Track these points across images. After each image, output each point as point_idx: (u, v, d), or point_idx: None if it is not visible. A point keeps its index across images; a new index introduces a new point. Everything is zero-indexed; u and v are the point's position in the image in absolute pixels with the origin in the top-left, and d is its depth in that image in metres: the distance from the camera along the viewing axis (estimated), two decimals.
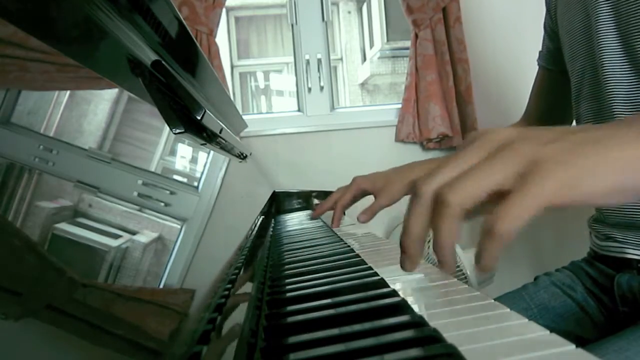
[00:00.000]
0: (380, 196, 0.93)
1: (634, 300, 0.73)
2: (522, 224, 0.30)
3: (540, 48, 0.99)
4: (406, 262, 0.35)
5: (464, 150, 0.33)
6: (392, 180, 0.94)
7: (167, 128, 0.41)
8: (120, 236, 0.28)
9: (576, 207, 0.30)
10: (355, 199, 0.97)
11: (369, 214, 0.90)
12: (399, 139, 1.82)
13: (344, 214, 0.99)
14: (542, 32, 0.98)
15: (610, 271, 0.77)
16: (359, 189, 0.95)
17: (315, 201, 1.33)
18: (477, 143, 0.33)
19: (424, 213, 0.33)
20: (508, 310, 0.35)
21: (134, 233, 0.30)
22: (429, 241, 1.51)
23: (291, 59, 1.91)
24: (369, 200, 0.95)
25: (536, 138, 0.31)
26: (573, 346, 0.28)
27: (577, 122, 0.84)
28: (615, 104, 0.72)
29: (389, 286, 0.43)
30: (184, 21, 0.51)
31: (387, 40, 5.13)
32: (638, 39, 0.67)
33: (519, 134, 0.32)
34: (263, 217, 0.96)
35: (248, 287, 0.43)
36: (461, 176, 0.31)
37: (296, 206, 1.33)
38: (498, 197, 0.31)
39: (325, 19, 1.85)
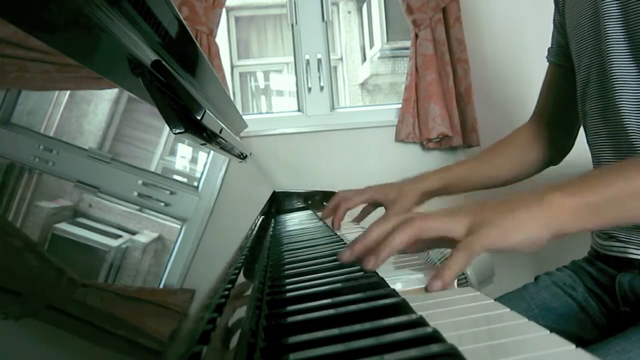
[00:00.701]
0: (393, 209, 0.91)
1: (636, 300, 0.72)
2: (477, 254, 0.45)
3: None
4: (370, 260, 0.48)
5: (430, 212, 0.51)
6: (405, 193, 0.92)
7: (167, 128, 0.41)
8: (120, 236, 0.28)
9: (508, 250, 0.47)
10: (363, 208, 0.96)
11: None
12: (399, 139, 1.82)
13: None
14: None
15: (612, 271, 0.77)
16: (370, 199, 0.94)
17: (317, 201, 1.33)
18: (437, 211, 0.51)
19: (385, 229, 0.49)
20: (508, 310, 0.36)
21: (134, 233, 0.30)
22: None
23: (291, 59, 1.91)
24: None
25: (473, 211, 0.49)
26: (573, 346, 0.28)
27: (582, 120, 0.83)
28: (622, 102, 0.71)
29: (389, 286, 0.43)
30: (184, 21, 0.51)
31: (387, 40, 5.13)
32: None
33: (461, 209, 0.50)
34: (263, 217, 0.96)
35: (248, 287, 0.43)
36: (427, 218, 0.48)
37: (296, 206, 1.33)
38: (447, 241, 0.48)
39: (325, 19, 1.85)
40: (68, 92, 0.28)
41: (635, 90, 0.69)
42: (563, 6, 0.87)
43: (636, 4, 0.67)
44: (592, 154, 0.82)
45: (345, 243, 0.68)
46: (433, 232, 0.48)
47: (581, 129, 0.88)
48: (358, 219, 1.00)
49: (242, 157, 0.94)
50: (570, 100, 0.91)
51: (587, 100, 0.79)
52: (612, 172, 0.53)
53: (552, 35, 0.94)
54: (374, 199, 0.94)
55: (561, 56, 0.92)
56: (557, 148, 0.98)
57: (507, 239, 0.46)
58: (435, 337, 0.30)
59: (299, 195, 1.34)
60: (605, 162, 0.76)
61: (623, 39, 0.70)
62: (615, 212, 0.49)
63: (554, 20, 0.93)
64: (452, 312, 0.37)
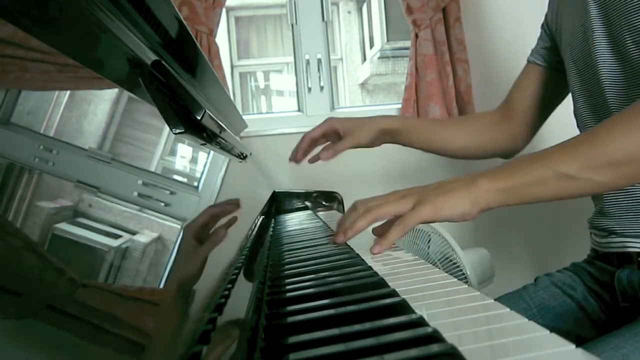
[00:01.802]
0: (348, 137, 0.99)
1: (635, 295, 0.73)
2: (410, 227, 0.61)
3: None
4: (339, 235, 0.66)
5: (387, 195, 0.65)
6: (362, 126, 1.00)
7: (167, 128, 0.41)
8: (120, 236, 0.28)
9: (441, 221, 0.60)
10: (325, 137, 1.03)
11: (331, 153, 0.97)
12: None
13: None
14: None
15: (611, 268, 0.77)
16: (330, 128, 1.00)
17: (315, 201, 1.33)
18: (393, 193, 0.64)
19: (354, 217, 0.65)
20: (508, 310, 0.36)
21: (134, 233, 0.30)
22: (429, 241, 1.51)
23: (291, 59, 1.91)
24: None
25: (419, 192, 0.62)
26: (573, 346, 0.28)
27: (576, 118, 0.85)
28: (611, 100, 0.74)
29: (389, 286, 0.43)
30: (184, 21, 0.51)
31: (387, 40, 5.13)
32: (626, 37, 0.69)
33: (411, 190, 0.64)
34: (263, 217, 0.96)
35: (248, 287, 0.43)
36: (382, 204, 0.63)
37: (296, 206, 1.33)
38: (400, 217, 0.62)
39: (325, 19, 1.85)
40: (68, 92, 0.28)
41: (622, 86, 0.72)
42: (557, 10, 0.89)
43: (616, 13, 0.70)
44: None
45: (347, 244, 0.69)
46: (388, 215, 0.63)
47: (565, 132, 0.91)
48: (325, 150, 1.01)
49: (242, 157, 0.94)
50: (540, 99, 0.96)
51: (579, 99, 0.82)
52: (528, 160, 0.61)
53: (539, 38, 0.98)
54: (334, 128, 1.00)
55: (543, 57, 0.95)
56: (513, 141, 1.02)
57: (439, 213, 0.59)
58: (435, 337, 0.30)
59: (299, 195, 1.34)
60: None
61: (606, 39, 0.73)
62: (525, 194, 0.60)
63: (542, 25, 0.97)
64: (452, 312, 0.37)
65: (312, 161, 1.04)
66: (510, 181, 0.60)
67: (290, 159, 1.04)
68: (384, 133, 1.00)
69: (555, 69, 0.93)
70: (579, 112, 0.83)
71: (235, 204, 0.59)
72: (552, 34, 0.92)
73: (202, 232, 0.41)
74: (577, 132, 0.85)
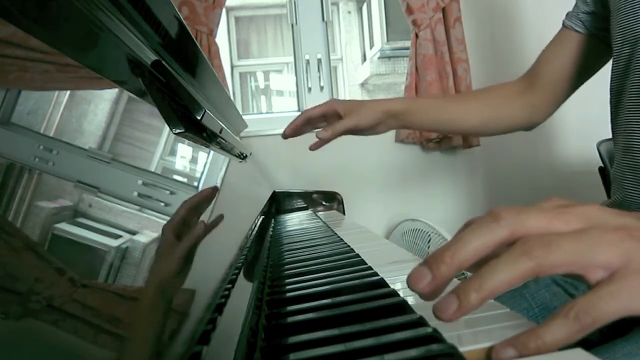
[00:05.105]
0: (348, 117, 0.90)
1: None
2: (601, 323, 0.26)
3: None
4: (425, 280, 0.29)
5: (556, 210, 0.30)
6: (364, 105, 0.91)
7: (167, 128, 0.41)
8: (120, 236, 0.28)
9: None
10: (325, 119, 0.95)
11: (329, 133, 0.89)
12: (398, 139, 1.82)
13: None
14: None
15: None
16: (330, 108, 0.93)
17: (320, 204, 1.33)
18: (578, 210, 0.30)
19: (491, 242, 0.28)
20: (508, 310, 0.36)
21: (134, 233, 0.30)
22: (429, 241, 1.50)
23: (291, 59, 1.91)
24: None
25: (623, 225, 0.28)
26: (578, 347, 0.28)
27: (616, 96, 0.77)
28: None
29: (389, 286, 0.43)
30: (184, 21, 0.51)
31: (387, 40, 5.13)
32: None
33: (622, 221, 0.29)
34: (263, 217, 0.96)
35: (248, 287, 0.43)
36: (560, 237, 0.28)
37: (296, 206, 1.33)
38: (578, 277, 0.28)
39: (325, 19, 1.85)
40: (68, 92, 0.28)
41: None
42: None
43: None
44: (622, 135, 0.75)
45: (346, 243, 0.68)
46: (559, 270, 0.29)
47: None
48: (323, 130, 0.93)
49: (242, 157, 0.94)
50: (574, 69, 0.88)
51: (629, 75, 0.73)
52: None
53: (579, 0, 0.87)
54: (334, 109, 0.92)
55: (584, 23, 0.86)
56: (533, 114, 0.95)
57: None
58: (435, 337, 0.30)
59: (299, 195, 1.34)
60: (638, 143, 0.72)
61: None
62: None
63: None
64: None
65: (312, 148, 0.96)
66: None
67: (282, 134, 0.96)
68: (388, 115, 0.91)
69: (596, 37, 0.83)
70: (625, 89, 0.74)
71: (212, 190, 0.47)
72: None
73: (181, 229, 0.36)
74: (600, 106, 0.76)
